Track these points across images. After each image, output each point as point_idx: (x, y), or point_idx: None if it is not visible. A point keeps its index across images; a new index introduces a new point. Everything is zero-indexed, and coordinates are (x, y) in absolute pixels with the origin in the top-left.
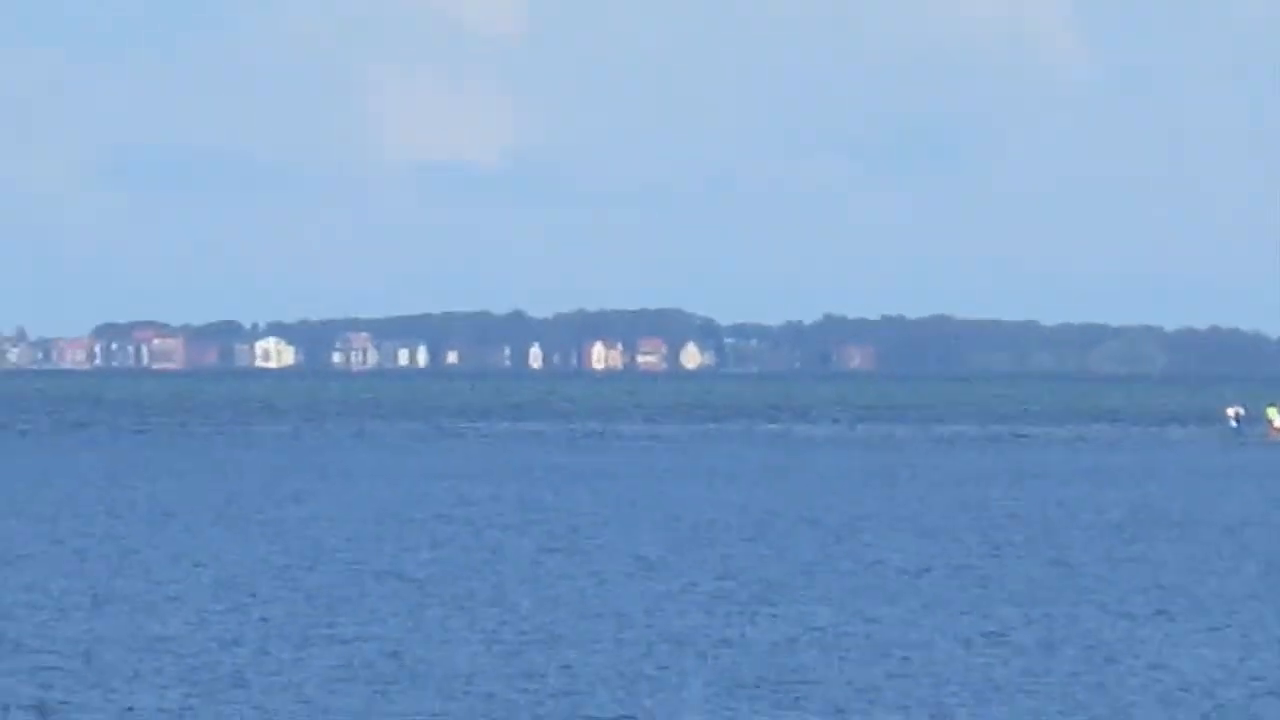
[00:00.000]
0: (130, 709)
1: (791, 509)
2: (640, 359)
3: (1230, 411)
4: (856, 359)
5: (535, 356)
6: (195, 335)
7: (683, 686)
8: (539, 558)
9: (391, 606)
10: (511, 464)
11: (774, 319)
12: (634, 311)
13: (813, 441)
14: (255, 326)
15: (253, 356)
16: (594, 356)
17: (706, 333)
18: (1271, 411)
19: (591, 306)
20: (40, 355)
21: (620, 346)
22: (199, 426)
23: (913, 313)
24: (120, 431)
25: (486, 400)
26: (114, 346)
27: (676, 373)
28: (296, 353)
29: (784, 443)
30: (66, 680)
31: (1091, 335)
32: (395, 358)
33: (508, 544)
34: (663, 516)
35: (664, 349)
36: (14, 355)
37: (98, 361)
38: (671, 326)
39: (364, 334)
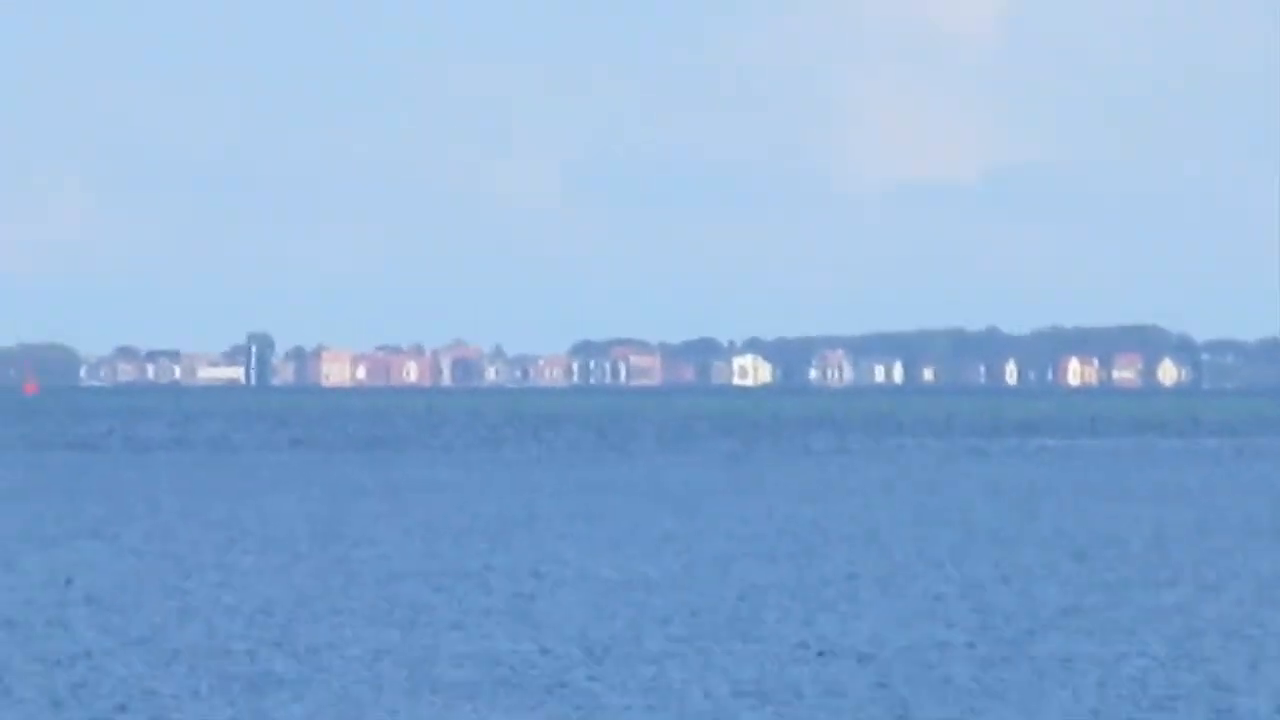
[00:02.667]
0: None
1: (1208, 523)
2: (1116, 375)
3: None
4: None
5: (1010, 373)
6: (673, 352)
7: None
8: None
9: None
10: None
11: (1252, 334)
12: (1109, 328)
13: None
14: (732, 344)
15: (730, 373)
16: (1069, 372)
17: (1182, 349)
18: None
19: (1067, 323)
20: (518, 373)
21: (1096, 363)
22: (639, 444)
23: None
24: (597, 449)
25: (949, 415)
26: (591, 364)
27: (1152, 389)
28: (773, 369)
29: (1244, 459)
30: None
31: None
32: (871, 374)
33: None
34: (1087, 535)
35: (1140, 365)
36: (492, 373)
37: (575, 379)
38: (1147, 342)
39: (840, 350)
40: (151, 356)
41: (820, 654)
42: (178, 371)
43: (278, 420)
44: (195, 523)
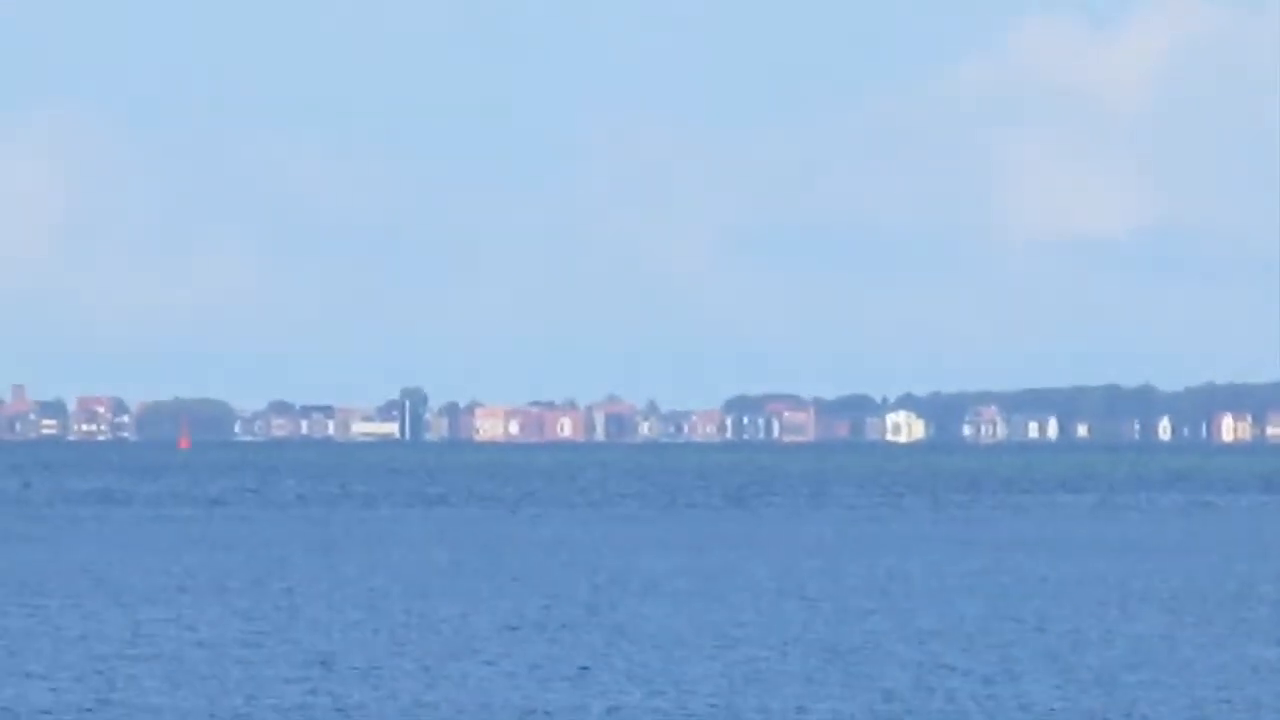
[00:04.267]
0: None
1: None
2: (1270, 431)
3: None
4: None
5: (1164, 429)
6: (826, 408)
7: None
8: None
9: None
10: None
11: None
12: (1264, 384)
13: None
14: (885, 400)
15: (883, 429)
16: (1223, 429)
17: None
18: None
19: (1220, 379)
20: (672, 428)
21: (1250, 419)
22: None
23: None
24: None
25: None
26: (745, 420)
27: None
28: (927, 425)
29: None
30: None
31: None
32: (1025, 430)
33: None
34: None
35: None
36: (646, 428)
37: (728, 435)
38: None
39: (993, 407)
40: (305, 411)
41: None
42: (331, 427)
43: (428, 475)
44: (323, 579)
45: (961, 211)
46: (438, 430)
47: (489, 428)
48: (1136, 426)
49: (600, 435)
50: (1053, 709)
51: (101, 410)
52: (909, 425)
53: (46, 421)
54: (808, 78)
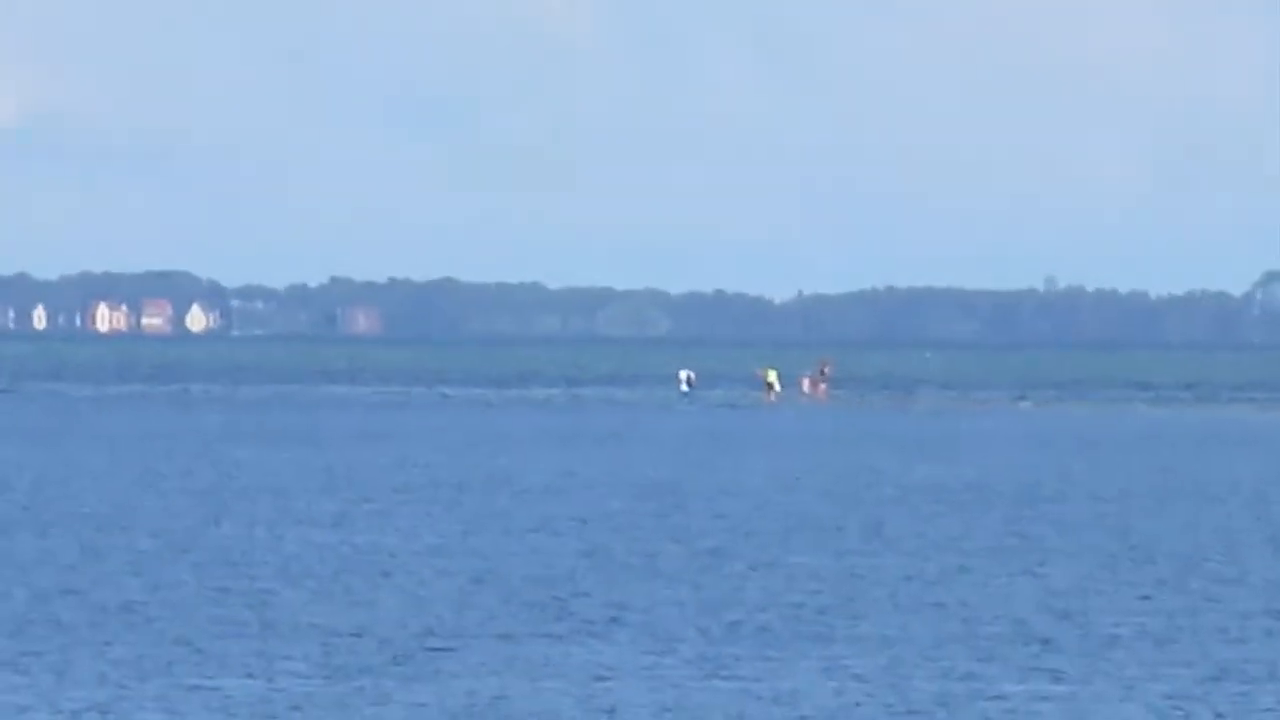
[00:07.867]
0: None
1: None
2: (145, 321)
3: (682, 375)
4: (362, 322)
5: (40, 318)
6: None
7: None
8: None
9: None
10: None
11: (280, 281)
12: (140, 274)
13: (319, 402)
14: None
15: None
16: (98, 318)
17: (212, 295)
18: (770, 374)
19: (97, 269)
20: None
21: (125, 308)
22: None
23: (419, 275)
24: None
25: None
26: None
27: (182, 335)
28: None
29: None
30: None
31: (596, 299)
32: None
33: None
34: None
35: (170, 311)
36: None
37: None
38: (177, 289)
39: None
40: None
41: None
42: None
43: None
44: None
45: None
46: None
47: None
48: (11, 315)
49: None
50: None
51: None
52: None
53: None
54: None
